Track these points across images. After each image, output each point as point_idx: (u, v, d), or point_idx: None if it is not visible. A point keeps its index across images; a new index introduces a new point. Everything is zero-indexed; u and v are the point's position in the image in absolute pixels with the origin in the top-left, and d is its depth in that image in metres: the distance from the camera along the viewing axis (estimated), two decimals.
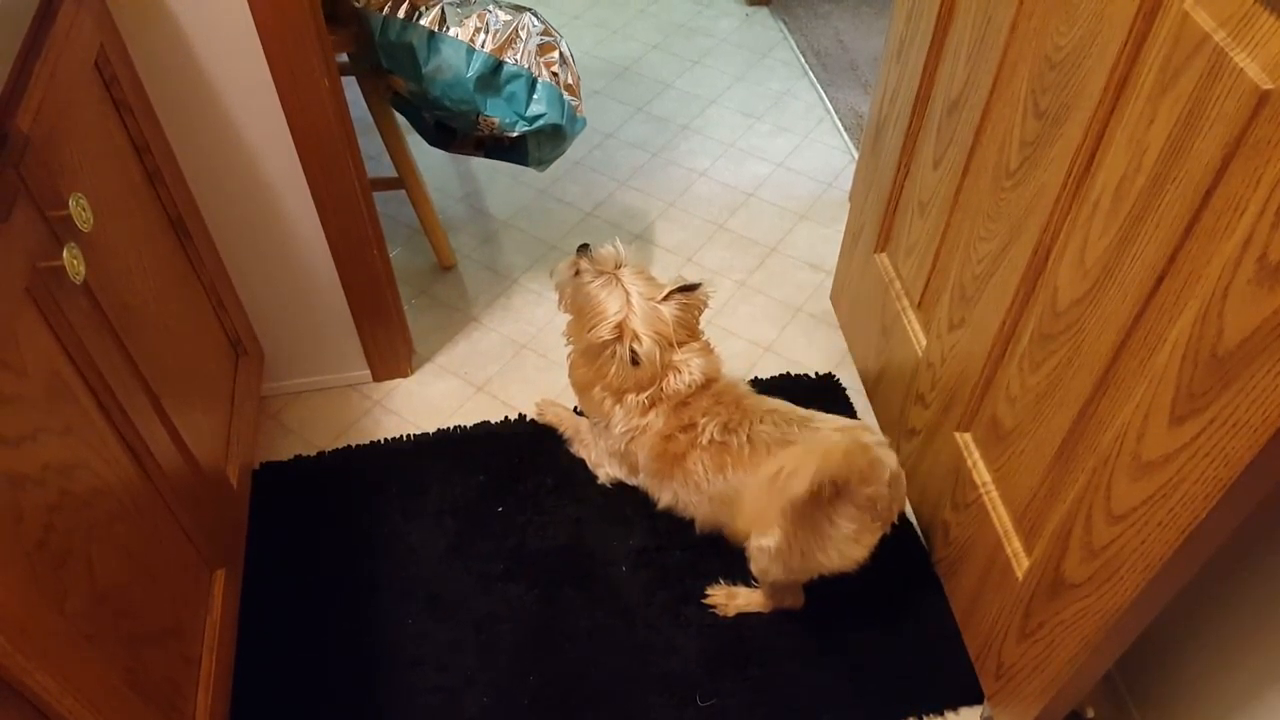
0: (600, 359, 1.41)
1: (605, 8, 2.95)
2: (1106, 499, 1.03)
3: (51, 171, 0.94)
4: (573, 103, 1.67)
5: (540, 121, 1.64)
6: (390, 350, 1.81)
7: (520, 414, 1.78)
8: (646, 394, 1.40)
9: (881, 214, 1.66)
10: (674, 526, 1.59)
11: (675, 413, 1.40)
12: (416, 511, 1.63)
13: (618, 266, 1.41)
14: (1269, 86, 0.76)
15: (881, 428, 1.75)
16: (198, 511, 1.24)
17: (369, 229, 1.60)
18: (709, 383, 1.41)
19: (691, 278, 1.45)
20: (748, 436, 1.32)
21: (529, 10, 1.68)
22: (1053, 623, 1.17)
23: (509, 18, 1.64)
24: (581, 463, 1.68)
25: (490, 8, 1.64)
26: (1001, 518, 1.30)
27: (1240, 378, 0.81)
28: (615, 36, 2.83)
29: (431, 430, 1.76)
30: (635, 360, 1.37)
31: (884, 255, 1.70)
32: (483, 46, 1.61)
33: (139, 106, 1.25)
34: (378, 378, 1.85)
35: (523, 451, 1.71)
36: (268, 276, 1.62)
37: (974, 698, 1.41)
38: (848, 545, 1.28)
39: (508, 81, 1.62)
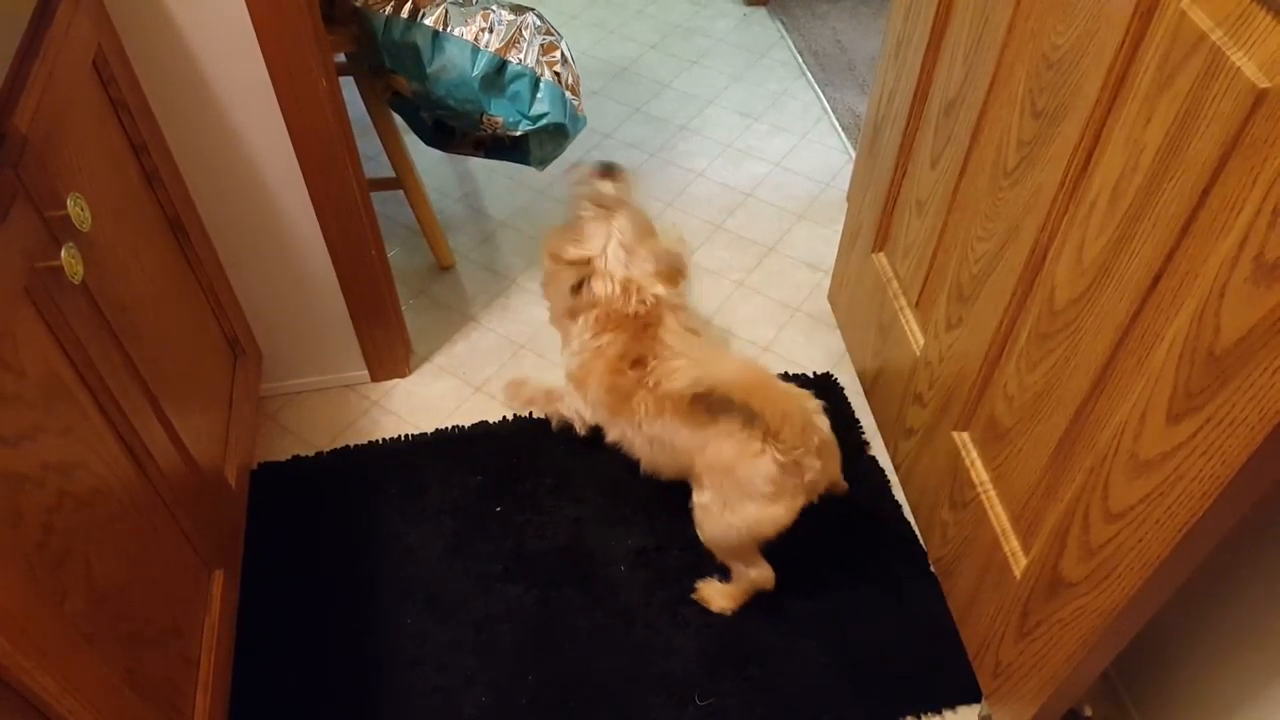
0: (564, 277, 1.47)
1: (603, 8, 2.95)
2: (1104, 497, 1.03)
3: (49, 172, 0.94)
4: (574, 102, 1.68)
5: (544, 120, 1.64)
6: (388, 350, 1.81)
7: (518, 414, 1.78)
8: (597, 312, 1.43)
9: (879, 214, 1.66)
10: (673, 526, 1.59)
11: (630, 342, 1.41)
12: (415, 512, 1.63)
13: (616, 204, 1.45)
14: (1266, 85, 0.77)
15: (879, 427, 1.75)
16: (196, 512, 1.24)
17: (367, 229, 1.60)
18: (662, 321, 1.43)
19: (690, 278, 1.47)
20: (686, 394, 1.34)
21: (531, 10, 1.69)
22: (1050, 621, 1.17)
23: (512, 17, 1.64)
24: (581, 462, 1.68)
25: (493, 7, 1.65)
26: (999, 516, 1.30)
27: (1237, 376, 0.81)
28: (613, 37, 2.83)
29: (430, 430, 1.76)
30: (579, 288, 1.43)
31: (882, 255, 1.70)
32: (487, 46, 1.61)
33: (137, 107, 1.25)
34: (376, 378, 1.85)
35: (521, 451, 1.71)
36: (266, 277, 1.62)
37: (972, 696, 1.41)
38: (763, 501, 1.29)
39: (512, 81, 1.63)
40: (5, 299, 0.83)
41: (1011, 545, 1.27)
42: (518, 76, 1.63)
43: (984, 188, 1.26)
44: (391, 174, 1.91)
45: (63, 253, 0.92)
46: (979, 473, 1.35)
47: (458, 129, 1.75)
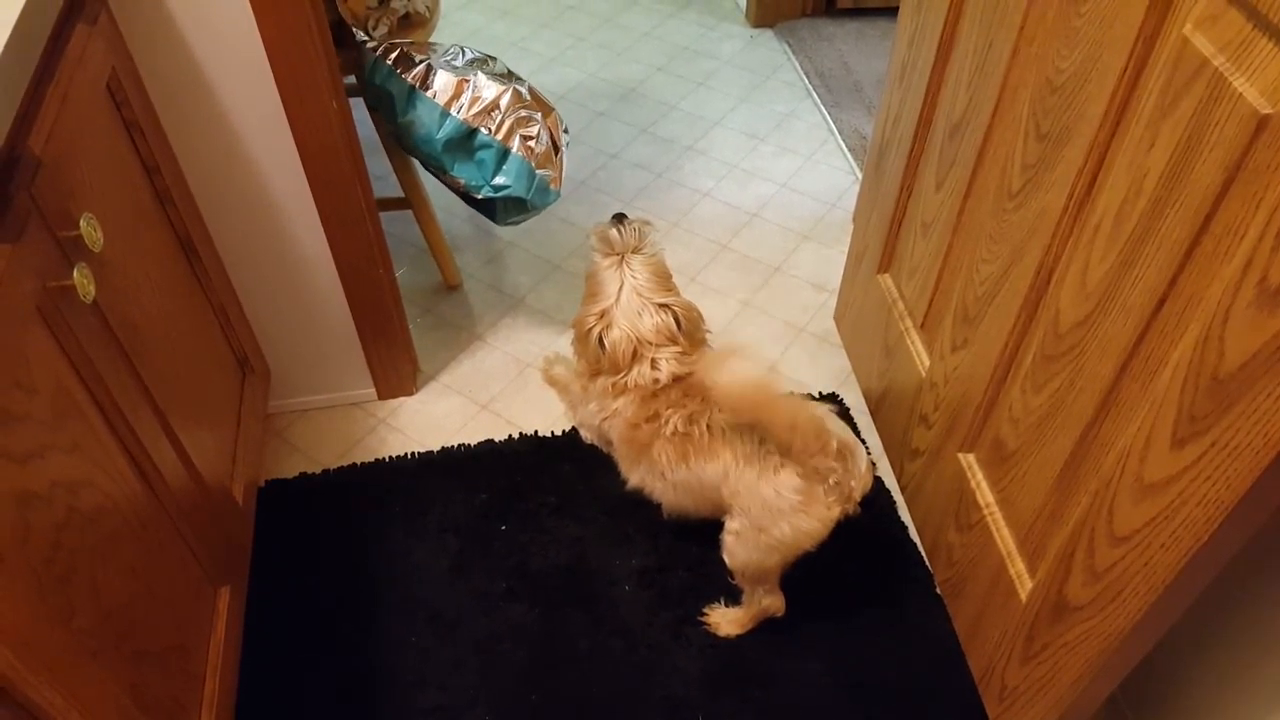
0: (584, 335, 1.47)
1: (611, 30, 2.98)
2: (1109, 521, 1.03)
3: (62, 192, 0.96)
4: (546, 176, 1.69)
5: (504, 192, 1.67)
6: (395, 369, 1.82)
7: (523, 433, 1.79)
8: (614, 380, 1.44)
9: (885, 235, 1.67)
10: (676, 547, 1.59)
11: (644, 403, 1.42)
12: (419, 530, 1.63)
13: (633, 250, 1.45)
14: (1268, 111, 0.77)
15: (885, 448, 1.75)
16: (203, 529, 1.24)
17: (375, 249, 1.61)
18: (682, 378, 1.43)
19: (694, 293, 1.47)
20: (707, 425, 1.35)
21: (516, 82, 1.70)
22: (1056, 645, 1.16)
23: (493, 88, 1.66)
24: (585, 482, 1.68)
25: (477, 74, 1.66)
26: (1005, 539, 1.30)
27: (1241, 401, 0.82)
28: (620, 59, 2.85)
29: (435, 448, 1.76)
30: (602, 345, 1.43)
31: (887, 276, 1.71)
32: (458, 112, 1.64)
33: (149, 128, 1.27)
34: (382, 396, 1.86)
35: (526, 471, 1.72)
36: (275, 295, 1.63)
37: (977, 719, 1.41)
38: (796, 515, 1.28)
39: (480, 148, 1.66)
40: (18, 318, 0.84)
41: (1017, 568, 1.27)
42: (485, 146, 1.65)
43: (989, 210, 1.27)
44: (400, 194, 1.93)
45: (75, 272, 0.93)
46: (985, 495, 1.35)
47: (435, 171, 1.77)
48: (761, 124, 2.59)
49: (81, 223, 0.97)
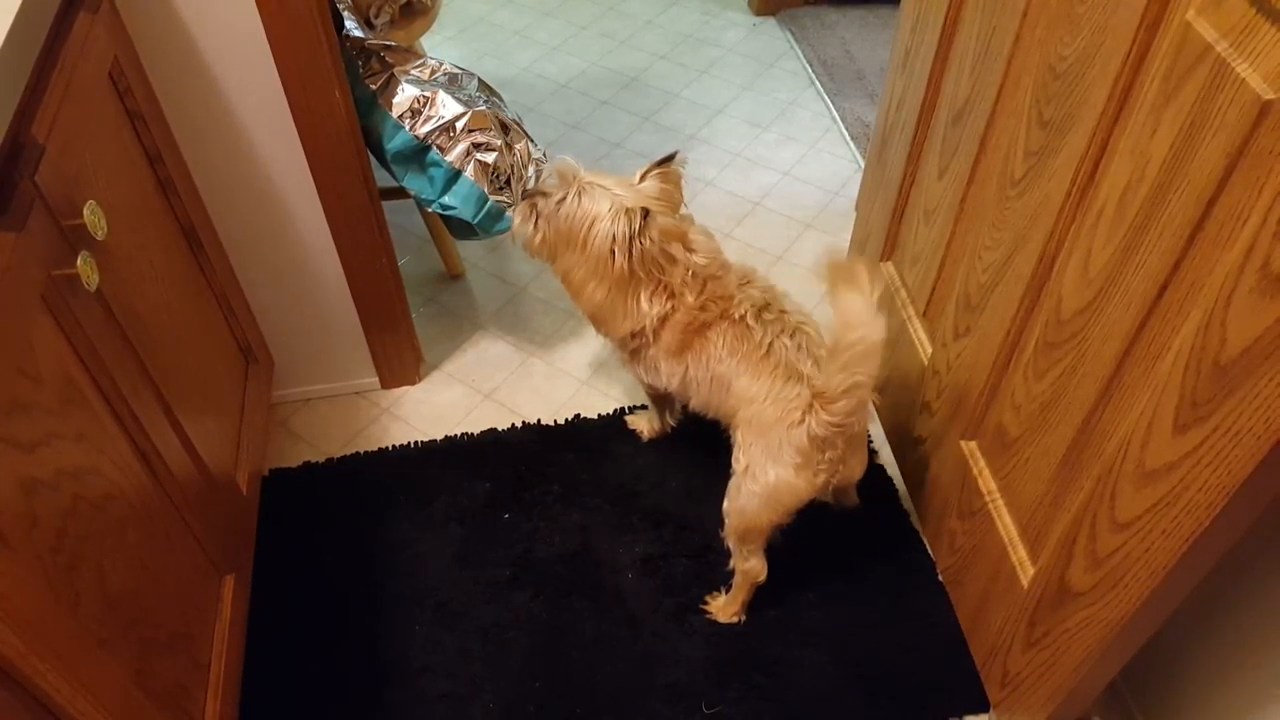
0: (615, 261, 1.35)
1: (613, 19, 2.97)
2: (1111, 507, 1.03)
3: (66, 181, 0.96)
4: (500, 204, 1.64)
5: (452, 213, 1.64)
6: (399, 358, 1.82)
7: (526, 421, 1.79)
8: (676, 276, 1.36)
9: (887, 223, 1.67)
10: (680, 534, 1.59)
11: (710, 283, 1.38)
12: (424, 518, 1.63)
13: (576, 178, 1.38)
14: (1271, 97, 0.77)
15: (887, 436, 1.75)
16: (208, 517, 1.25)
17: (378, 238, 1.61)
18: (726, 267, 1.40)
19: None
20: (770, 343, 1.32)
21: (484, 100, 1.66)
22: (1058, 631, 1.17)
23: (453, 108, 1.61)
24: (588, 471, 1.68)
25: (440, 92, 1.62)
26: (1007, 526, 1.30)
27: (1243, 386, 0.82)
28: (623, 47, 2.85)
29: (439, 438, 1.77)
30: (644, 231, 1.32)
31: (890, 264, 1.71)
32: (411, 128, 1.60)
33: (152, 117, 1.27)
34: (386, 385, 1.87)
35: (529, 459, 1.72)
36: (278, 285, 1.63)
37: (979, 706, 1.41)
38: (786, 470, 1.29)
39: (430, 165, 1.63)
40: (22, 306, 0.84)
41: (1019, 555, 1.27)
42: (436, 164, 1.62)
43: (991, 197, 1.27)
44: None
45: (78, 261, 0.93)
46: (987, 482, 1.35)
47: None
48: (764, 112, 2.58)
49: (85, 211, 0.97)
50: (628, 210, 1.33)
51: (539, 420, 1.79)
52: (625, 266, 1.35)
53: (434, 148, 1.61)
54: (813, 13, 2.95)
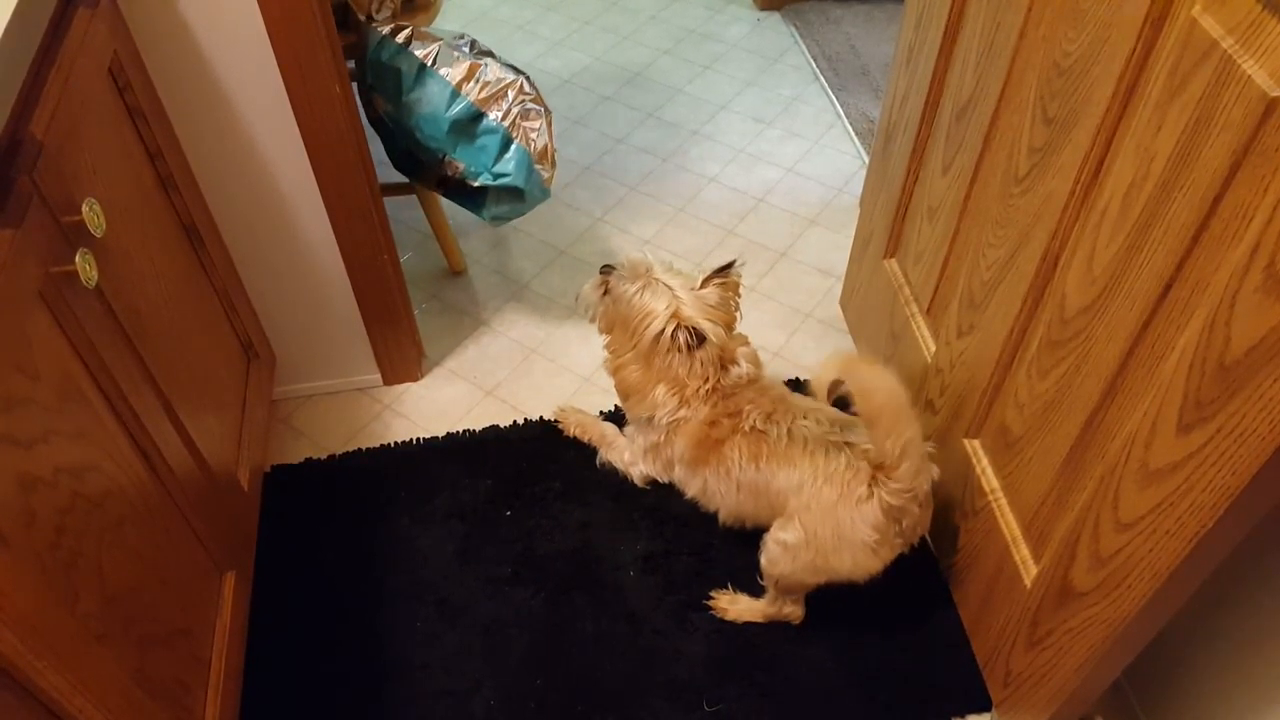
0: (658, 356, 1.40)
1: (617, 14, 2.96)
2: (1114, 507, 1.02)
3: (65, 177, 0.96)
4: (543, 173, 1.68)
5: (504, 180, 1.65)
6: (400, 354, 1.82)
7: (528, 418, 1.79)
8: (709, 381, 1.39)
9: (891, 220, 1.66)
10: (681, 531, 1.59)
11: (724, 401, 1.40)
12: (425, 515, 1.63)
13: (648, 271, 1.42)
14: (1277, 94, 0.76)
15: None
16: (208, 514, 1.25)
17: (380, 234, 1.61)
18: (755, 380, 1.42)
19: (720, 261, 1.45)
20: (788, 430, 1.32)
21: (524, 75, 1.69)
22: (1061, 631, 1.16)
23: (502, 76, 1.64)
24: (590, 468, 1.68)
25: (487, 61, 1.65)
26: (1010, 525, 1.30)
27: (1247, 386, 0.81)
28: (626, 42, 2.84)
29: (441, 434, 1.77)
30: (698, 340, 1.37)
31: (893, 261, 1.70)
32: (468, 94, 1.62)
33: (152, 112, 1.26)
34: (388, 381, 1.86)
35: (531, 456, 1.72)
36: (279, 281, 1.63)
37: (982, 705, 1.41)
38: (864, 553, 1.27)
39: (483, 134, 1.64)
40: (20, 303, 0.84)
41: (1022, 554, 1.27)
42: (490, 131, 1.63)
43: (995, 194, 1.26)
44: (405, 179, 1.92)
45: (77, 258, 0.93)
46: (990, 480, 1.35)
47: (424, 162, 1.75)
48: (768, 108, 2.58)
49: (84, 208, 0.97)
50: (675, 314, 1.38)
51: (541, 417, 1.79)
52: (660, 362, 1.40)
53: (488, 114, 1.63)
54: (817, 8, 2.94)
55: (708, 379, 1.39)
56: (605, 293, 1.46)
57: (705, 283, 1.41)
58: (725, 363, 1.40)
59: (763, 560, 1.38)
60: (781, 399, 1.39)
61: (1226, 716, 1.16)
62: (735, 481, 1.38)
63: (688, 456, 1.45)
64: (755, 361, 1.43)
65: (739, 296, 1.46)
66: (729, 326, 1.43)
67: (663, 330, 1.37)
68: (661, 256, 1.46)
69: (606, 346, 1.51)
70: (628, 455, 1.63)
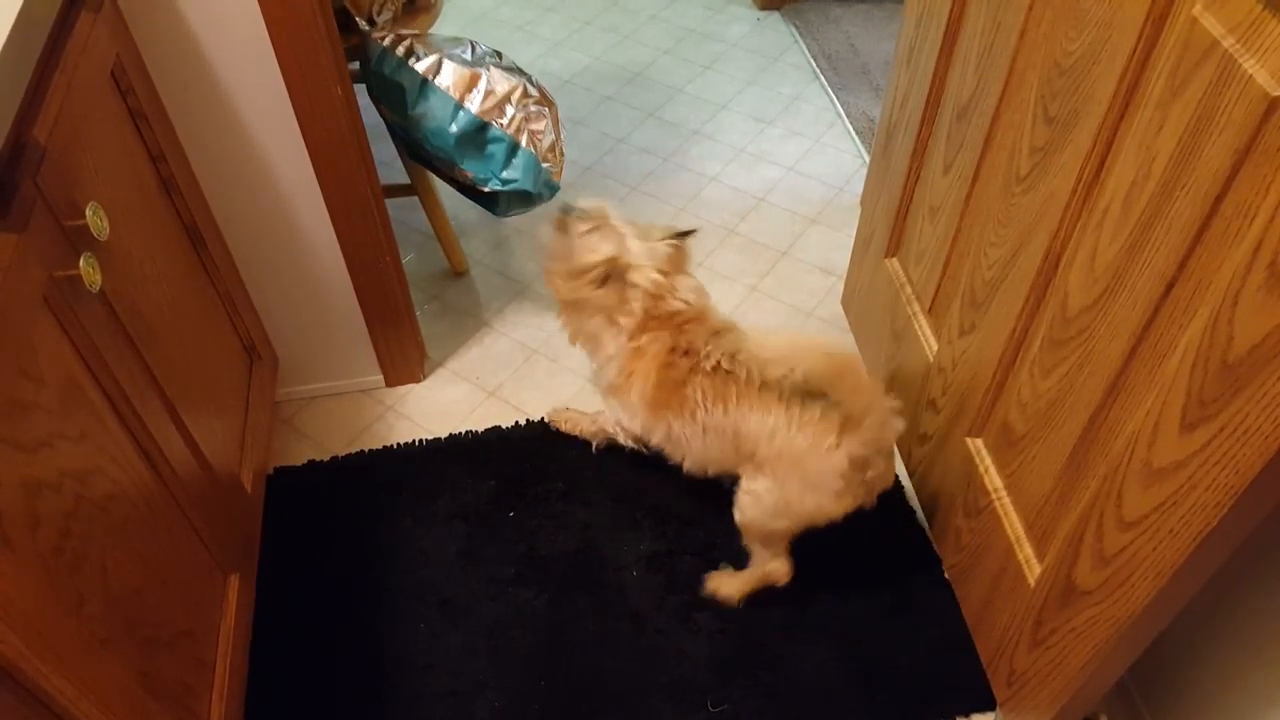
0: (592, 292, 1.42)
1: (617, 13, 2.96)
2: (1118, 506, 1.02)
3: (68, 181, 0.96)
4: (550, 170, 1.70)
5: (513, 186, 1.67)
6: (403, 355, 1.82)
7: (530, 419, 1.79)
8: (638, 314, 1.40)
9: (892, 219, 1.66)
10: (684, 531, 1.59)
11: (673, 334, 1.40)
12: (428, 516, 1.63)
13: (603, 216, 1.43)
14: (1278, 93, 0.76)
15: None
16: (212, 516, 1.25)
17: (382, 235, 1.61)
18: (704, 316, 1.42)
19: (703, 278, 1.46)
20: (761, 377, 1.31)
21: (526, 76, 1.70)
22: (1064, 630, 1.16)
23: (504, 81, 1.65)
24: (592, 468, 1.68)
25: (489, 67, 1.66)
26: (1013, 524, 1.30)
27: (1250, 385, 0.81)
28: (626, 42, 2.84)
29: (443, 435, 1.77)
30: (604, 281, 1.39)
31: (895, 260, 1.70)
32: (471, 106, 1.63)
33: (155, 116, 1.26)
34: (390, 383, 1.86)
35: (534, 456, 1.72)
36: (282, 283, 1.63)
37: (985, 705, 1.41)
38: (829, 498, 1.30)
39: (490, 142, 1.65)
40: (24, 308, 0.84)
41: (1025, 553, 1.27)
42: (496, 140, 1.65)
43: (997, 193, 1.26)
44: (406, 180, 1.92)
45: (81, 262, 0.93)
46: (993, 479, 1.35)
47: (437, 167, 1.76)
48: (769, 107, 2.58)
49: (87, 211, 0.97)
50: (615, 258, 1.39)
51: (543, 418, 1.79)
52: (590, 298, 1.42)
53: (493, 124, 1.64)
54: (817, 7, 2.94)
55: (642, 307, 1.40)
56: (562, 232, 1.46)
57: (664, 239, 1.42)
58: (661, 296, 1.40)
59: (735, 514, 1.39)
60: (741, 339, 1.38)
61: (1232, 714, 1.16)
62: (701, 424, 1.37)
63: (648, 396, 1.42)
64: (698, 292, 1.43)
65: (687, 259, 1.47)
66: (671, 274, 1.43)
67: (594, 263, 1.39)
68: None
69: (558, 300, 1.51)
70: (610, 424, 1.61)
